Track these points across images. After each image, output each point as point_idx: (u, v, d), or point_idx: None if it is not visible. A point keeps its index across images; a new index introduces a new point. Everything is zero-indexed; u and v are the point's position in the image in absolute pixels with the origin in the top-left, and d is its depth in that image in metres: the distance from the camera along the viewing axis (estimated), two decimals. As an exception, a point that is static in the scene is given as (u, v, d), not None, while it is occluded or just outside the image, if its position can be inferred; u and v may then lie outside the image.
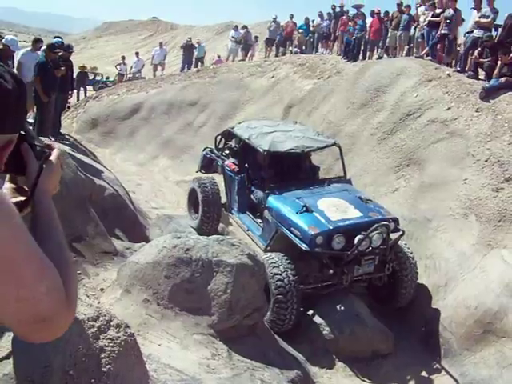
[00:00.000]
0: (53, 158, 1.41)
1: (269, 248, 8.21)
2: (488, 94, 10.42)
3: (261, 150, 8.64)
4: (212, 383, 4.92)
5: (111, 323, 3.30)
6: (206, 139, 16.55)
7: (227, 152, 10.29)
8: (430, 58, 13.50)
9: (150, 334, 5.41)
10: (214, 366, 5.22)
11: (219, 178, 10.37)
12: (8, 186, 1.41)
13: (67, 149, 9.45)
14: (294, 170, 9.30)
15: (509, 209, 8.01)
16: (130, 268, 5.97)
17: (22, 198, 1.35)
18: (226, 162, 9.78)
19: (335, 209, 7.71)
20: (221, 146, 10.59)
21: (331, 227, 7.33)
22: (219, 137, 10.70)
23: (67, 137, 12.87)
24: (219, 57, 25.57)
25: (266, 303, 6.62)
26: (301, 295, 7.30)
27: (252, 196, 9.06)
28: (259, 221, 8.78)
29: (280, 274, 7.14)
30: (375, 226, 7.19)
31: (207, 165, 10.70)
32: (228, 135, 10.43)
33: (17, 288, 1.01)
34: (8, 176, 1.41)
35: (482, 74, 11.68)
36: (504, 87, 10.36)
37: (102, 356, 3.12)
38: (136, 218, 9.64)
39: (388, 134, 11.34)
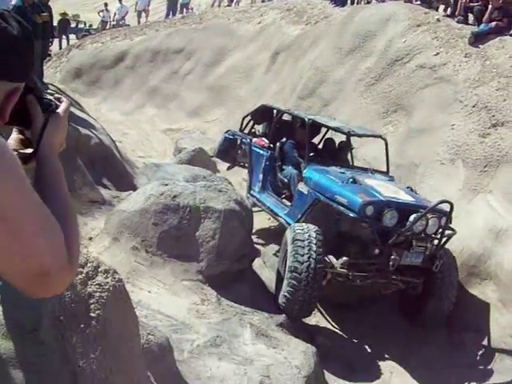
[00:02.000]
0: (60, 110, 1.35)
1: None
2: (477, 40, 10.25)
3: (306, 119, 7.89)
4: (201, 328, 5.00)
5: (99, 269, 3.31)
6: (192, 87, 16.36)
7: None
8: (419, 2, 13.26)
9: (140, 281, 5.46)
10: (204, 311, 5.31)
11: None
12: (15, 136, 1.36)
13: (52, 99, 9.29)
14: (334, 157, 8.20)
15: (495, 154, 8.04)
16: (118, 216, 5.99)
17: (29, 151, 1.30)
18: (255, 140, 8.78)
19: (385, 188, 6.79)
20: (246, 130, 9.47)
21: (384, 199, 6.39)
22: (248, 118, 9.51)
23: (51, 86, 12.64)
24: (192, 9, 25.09)
25: (255, 249, 6.68)
26: (322, 278, 6.10)
27: (281, 175, 8.02)
28: (285, 201, 7.79)
29: (303, 248, 6.00)
30: (433, 205, 6.28)
31: (225, 150, 9.33)
32: (263, 112, 9.26)
33: (18, 240, 0.99)
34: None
35: (471, 18, 11.52)
36: (494, 32, 10.19)
37: (91, 302, 3.13)
38: (123, 166, 9.59)
39: (376, 80, 11.23)
